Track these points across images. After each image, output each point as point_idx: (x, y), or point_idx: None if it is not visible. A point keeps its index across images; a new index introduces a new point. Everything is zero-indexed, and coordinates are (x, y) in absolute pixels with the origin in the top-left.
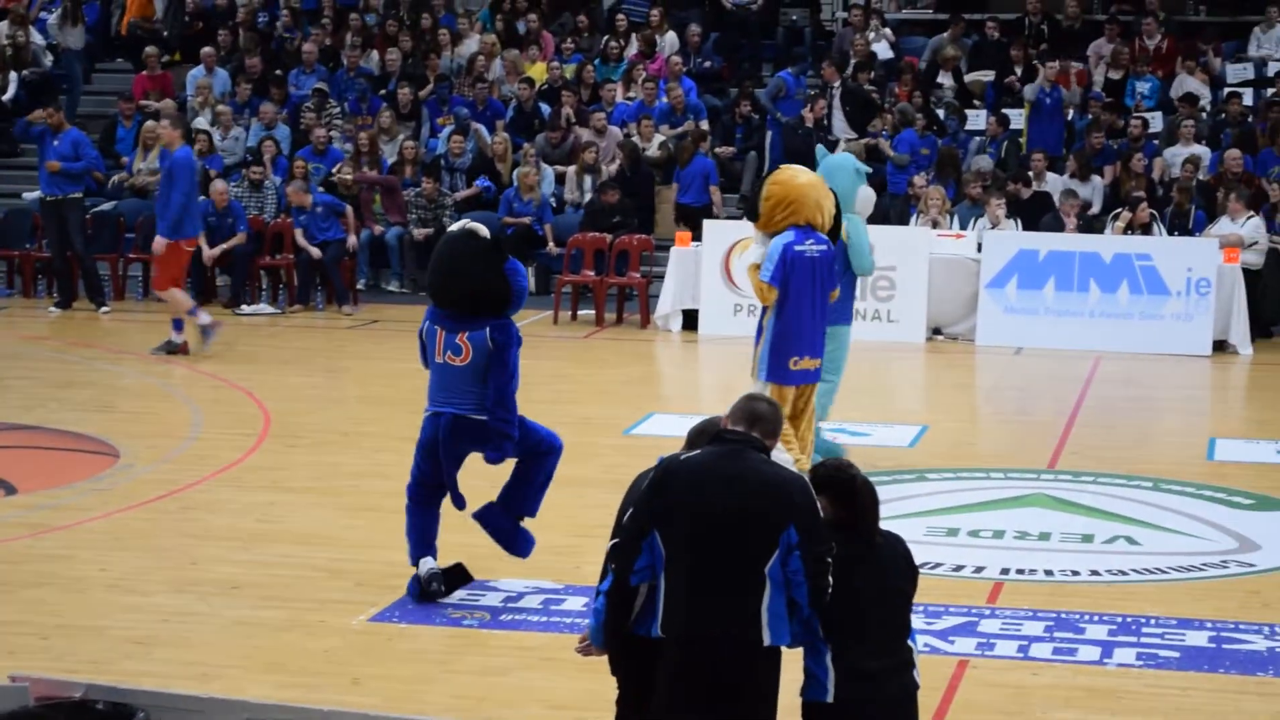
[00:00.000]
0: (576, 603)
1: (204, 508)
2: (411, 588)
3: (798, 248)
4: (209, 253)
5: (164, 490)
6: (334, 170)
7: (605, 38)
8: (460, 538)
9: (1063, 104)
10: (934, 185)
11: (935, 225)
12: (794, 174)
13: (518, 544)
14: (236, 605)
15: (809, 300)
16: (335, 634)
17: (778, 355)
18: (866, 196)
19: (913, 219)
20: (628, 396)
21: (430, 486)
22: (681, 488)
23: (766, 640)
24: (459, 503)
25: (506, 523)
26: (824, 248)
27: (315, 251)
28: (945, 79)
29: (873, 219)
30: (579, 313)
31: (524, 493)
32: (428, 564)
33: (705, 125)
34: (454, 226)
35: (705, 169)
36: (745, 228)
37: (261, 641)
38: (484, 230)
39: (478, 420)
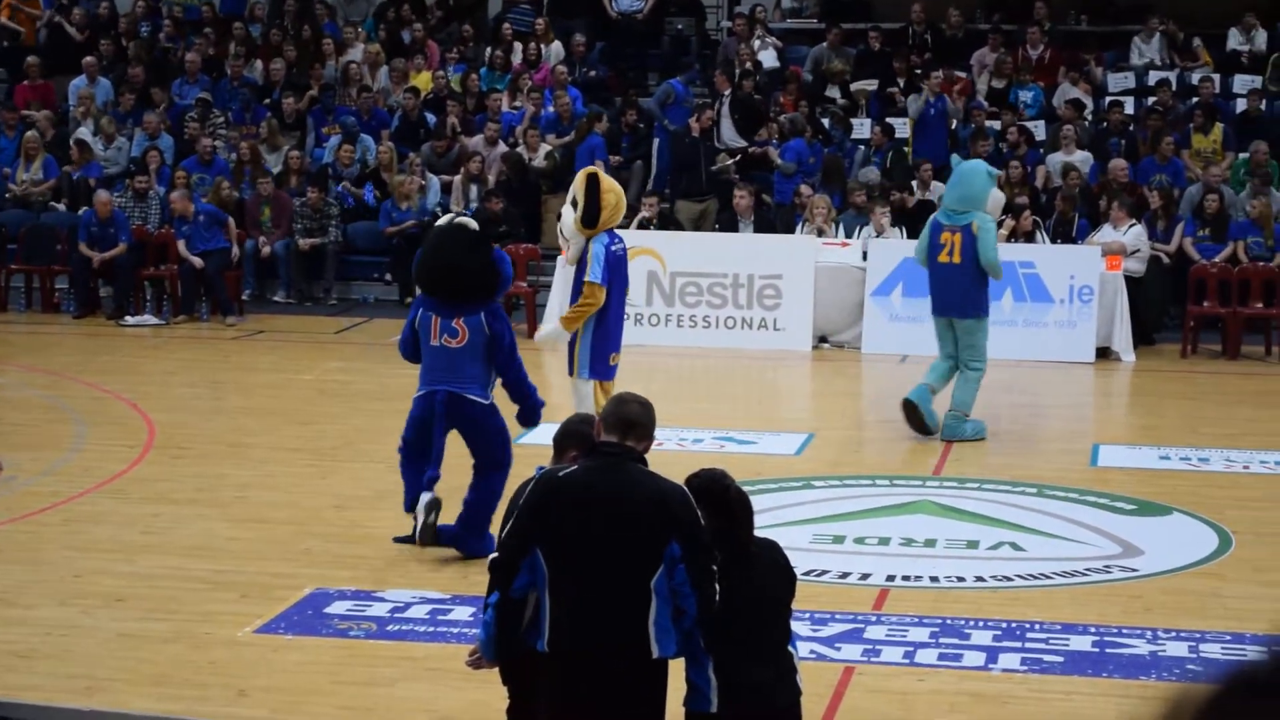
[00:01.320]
0: (463, 613)
1: (88, 520)
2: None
3: (613, 248)
4: (98, 258)
5: (47, 503)
6: (214, 185)
7: (490, 47)
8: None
9: (947, 113)
10: (819, 194)
11: (821, 234)
12: (609, 179)
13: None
14: (121, 617)
15: (620, 298)
16: (221, 646)
17: (599, 353)
18: (997, 198)
19: (799, 227)
20: (514, 407)
21: (418, 448)
22: (562, 507)
23: (654, 653)
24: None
25: (475, 546)
26: (623, 246)
27: (198, 262)
28: (834, 92)
29: (758, 226)
30: None
31: (482, 514)
32: (425, 497)
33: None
34: (441, 220)
35: (592, 146)
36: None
37: (146, 654)
38: (472, 223)
39: (470, 400)
